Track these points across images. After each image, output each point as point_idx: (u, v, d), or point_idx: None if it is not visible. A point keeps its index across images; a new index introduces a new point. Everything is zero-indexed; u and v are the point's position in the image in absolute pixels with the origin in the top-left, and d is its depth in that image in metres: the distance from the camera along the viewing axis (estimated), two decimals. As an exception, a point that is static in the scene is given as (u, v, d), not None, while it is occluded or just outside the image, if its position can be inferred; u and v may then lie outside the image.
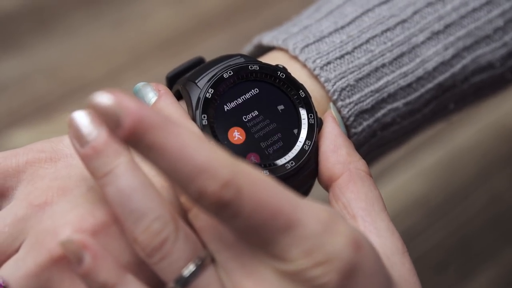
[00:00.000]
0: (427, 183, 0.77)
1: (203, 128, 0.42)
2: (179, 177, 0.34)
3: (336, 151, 0.43)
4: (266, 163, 0.43)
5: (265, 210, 0.35)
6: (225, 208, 0.34)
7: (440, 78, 0.49)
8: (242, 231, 0.36)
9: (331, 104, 0.46)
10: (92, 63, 0.90)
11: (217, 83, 0.44)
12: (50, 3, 0.96)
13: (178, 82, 0.46)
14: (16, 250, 0.40)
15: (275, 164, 0.43)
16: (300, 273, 0.35)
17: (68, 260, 0.38)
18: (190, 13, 0.96)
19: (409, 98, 0.48)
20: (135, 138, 0.34)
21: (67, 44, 0.92)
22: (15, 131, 0.83)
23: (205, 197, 0.34)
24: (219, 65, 0.45)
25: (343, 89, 0.46)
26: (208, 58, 0.48)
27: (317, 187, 0.45)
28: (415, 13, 0.49)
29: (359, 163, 0.43)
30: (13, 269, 0.39)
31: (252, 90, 0.44)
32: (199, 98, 0.43)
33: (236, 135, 0.43)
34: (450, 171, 0.79)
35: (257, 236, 0.36)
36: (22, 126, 0.84)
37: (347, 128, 0.47)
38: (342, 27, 0.49)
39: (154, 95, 0.44)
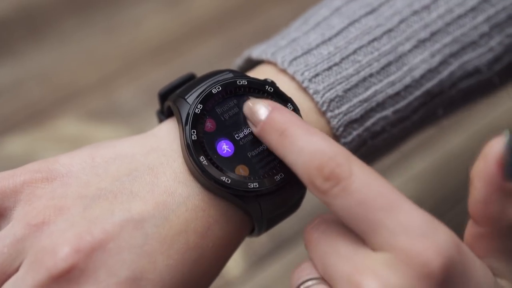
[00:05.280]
0: (419, 189, 0.77)
1: (192, 143, 0.43)
2: (303, 158, 0.39)
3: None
4: (256, 176, 0.43)
5: (373, 190, 0.37)
6: (337, 183, 0.37)
7: (428, 85, 0.49)
8: (348, 210, 0.37)
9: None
10: (84, 70, 0.90)
11: (206, 99, 0.44)
12: (42, 10, 0.96)
13: (169, 99, 0.46)
14: (16, 270, 0.40)
15: (264, 177, 0.43)
16: (403, 257, 0.36)
17: (67, 277, 0.39)
18: (182, 19, 0.96)
19: (398, 106, 0.48)
20: (275, 126, 0.41)
21: (59, 50, 0.92)
22: (7, 138, 0.83)
23: (322, 172, 0.38)
24: (208, 81, 0.46)
25: (331, 100, 0.47)
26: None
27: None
28: (401, 22, 0.50)
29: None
30: (13, 288, 0.40)
31: (240, 105, 0.45)
32: (188, 113, 0.44)
33: (225, 148, 0.44)
34: (442, 176, 0.79)
35: (363, 215, 0.37)
36: (14, 133, 0.84)
37: (337, 138, 0.47)
38: (330, 39, 0.49)
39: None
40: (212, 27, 0.95)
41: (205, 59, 0.89)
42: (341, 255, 0.38)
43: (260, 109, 0.42)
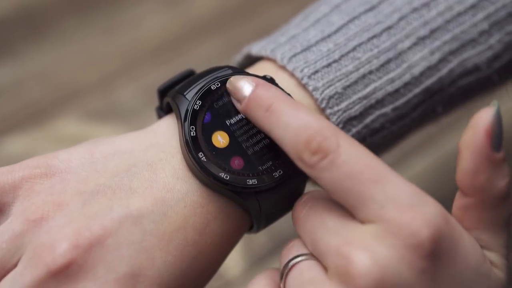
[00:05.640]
0: (420, 188, 0.77)
1: (191, 139, 0.43)
2: (290, 133, 0.39)
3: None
4: (254, 172, 0.43)
5: (360, 162, 0.37)
6: (325, 157, 0.38)
7: (427, 82, 0.49)
8: (336, 183, 0.38)
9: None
10: (84, 70, 0.90)
11: (205, 95, 0.44)
12: (42, 10, 0.96)
13: (168, 95, 0.46)
14: (15, 265, 0.41)
15: (260, 169, 0.43)
16: (391, 228, 0.36)
17: (65, 273, 0.39)
18: (182, 19, 0.96)
19: (397, 103, 0.48)
20: (261, 103, 0.41)
21: (59, 50, 0.92)
22: (7, 138, 0.83)
23: (309, 146, 0.38)
24: (207, 77, 0.46)
25: (331, 97, 0.47)
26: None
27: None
28: (400, 19, 0.50)
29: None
30: (12, 284, 0.40)
31: None
32: (187, 110, 0.44)
33: (220, 139, 0.44)
34: (442, 176, 0.79)
35: (351, 188, 0.37)
36: (14, 132, 0.84)
37: None
38: (329, 36, 0.49)
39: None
40: (212, 27, 0.95)
41: (205, 59, 0.89)
42: (329, 229, 0.39)
43: (244, 85, 0.43)
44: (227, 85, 0.44)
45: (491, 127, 0.38)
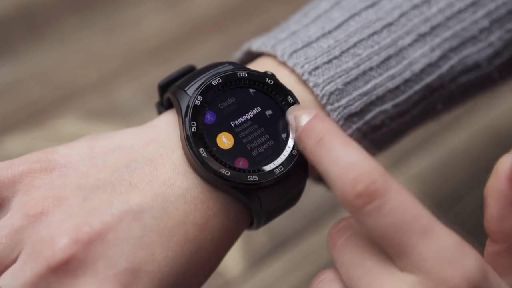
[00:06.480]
0: (419, 188, 0.77)
1: (192, 135, 0.43)
2: (337, 170, 0.38)
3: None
4: (255, 169, 0.43)
5: (407, 212, 0.36)
6: (371, 201, 0.36)
7: (428, 79, 0.49)
8: (380, 230, 0.37)
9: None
10: (84, 69, 0.90)
11: (206, 91, 0.44)
12: (42, 10, 0.96)
13: (168, 90, 0.46)
14: (14, 261, 0.40)
15: (264, 170, 0.43)
16: (430, 282, 0.36)
17: (65, 268, 0.39)
18: (182, 19, 0.96)
19: (398, 100, 0.48)
20: (313, 134, 0.40)
21: (59, 50, 0.92)
22: (7, 137, 0.83)
23: (356, 188, 0.37)
24: (208, 72, 0.45)
25: (331, 93, 0.47)
26: (200, 63, 0.49)
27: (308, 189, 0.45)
28: (401, 15, 0.50)
29: None
30: (11, 279, 0.39)
31: (239, 97, 0.45)
32: (188, 105, 0.44)
33: (225, 140, 0.44)
34: (442, 175, 0.79)
35: (395, 237, 0.37)
36: (14, 132, 0.84)
37: None
38: (330, 32, 0.49)
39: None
40: (211, 26, 0.95)
41: (205, 58, 0.88)
42: (368, 270, 0.38)
43: (303, 115, 0.42)
44: (287, 113, 0.44)
45: None
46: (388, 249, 0.37)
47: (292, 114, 0.43)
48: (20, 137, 0.83)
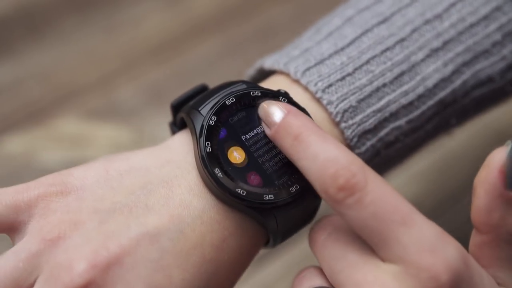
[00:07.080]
0: (420, 187, 0.77)
1: (207, 155, 0.43)
2: (317, 165, 0.38)
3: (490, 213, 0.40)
4: (269, 184, 0.43)
5: (387, 203, 0.37)
6: (352, 194, 0.37)
7: (441, 94, 0.49)
8: (361, 222, 0.37)
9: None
10: (84, 69, 0.90)
11: (220, 110, 0.44)
12: (42, 9, 0.95)
13: (182, 110, 0.46)
14: (32, 285, 0.40)
15: (278, 187, 0.43)
16: (412, 271, 0.37)
17: None
18: (182, 18, 0.96)
19: (411, 116, 0.48)
20: (290, 131, 0.41)
21: (59, 49, 0.92)
22: (7, 137, 0.83)
23: (336, 182, 0.38)
24: (221, 92, 0.45)
25: (345, 110, 0.47)
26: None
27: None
28: (413, 31, 0.49)
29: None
30: (29, 304, 0.39)
31: (252, 116, 0.45)
32: (202, 125, 0.44)
33: (236, 155, 0.44)
34: (443, 175, 0.79)
35: (376, 228, 0.37)
36: (14, 131, 0.83)
37: (351, 149, 0.47)
38: (342, 49, 0.49)
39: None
40: (211, 26, 0.95)
41: (205, 58, 0.89)
42: (350, 262, 0.39)
43: (275, 111, 0.42)
44: (259, 109, 0.44)
45: (504, 166, 0.38)
46: (369, 240, 0.38)
47: (263, 110, 0.43)
48: (20, 136, 0.83)
